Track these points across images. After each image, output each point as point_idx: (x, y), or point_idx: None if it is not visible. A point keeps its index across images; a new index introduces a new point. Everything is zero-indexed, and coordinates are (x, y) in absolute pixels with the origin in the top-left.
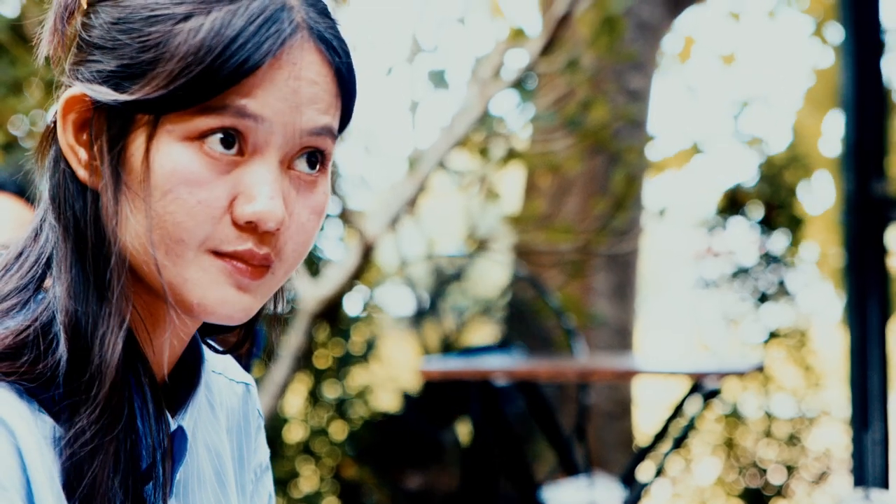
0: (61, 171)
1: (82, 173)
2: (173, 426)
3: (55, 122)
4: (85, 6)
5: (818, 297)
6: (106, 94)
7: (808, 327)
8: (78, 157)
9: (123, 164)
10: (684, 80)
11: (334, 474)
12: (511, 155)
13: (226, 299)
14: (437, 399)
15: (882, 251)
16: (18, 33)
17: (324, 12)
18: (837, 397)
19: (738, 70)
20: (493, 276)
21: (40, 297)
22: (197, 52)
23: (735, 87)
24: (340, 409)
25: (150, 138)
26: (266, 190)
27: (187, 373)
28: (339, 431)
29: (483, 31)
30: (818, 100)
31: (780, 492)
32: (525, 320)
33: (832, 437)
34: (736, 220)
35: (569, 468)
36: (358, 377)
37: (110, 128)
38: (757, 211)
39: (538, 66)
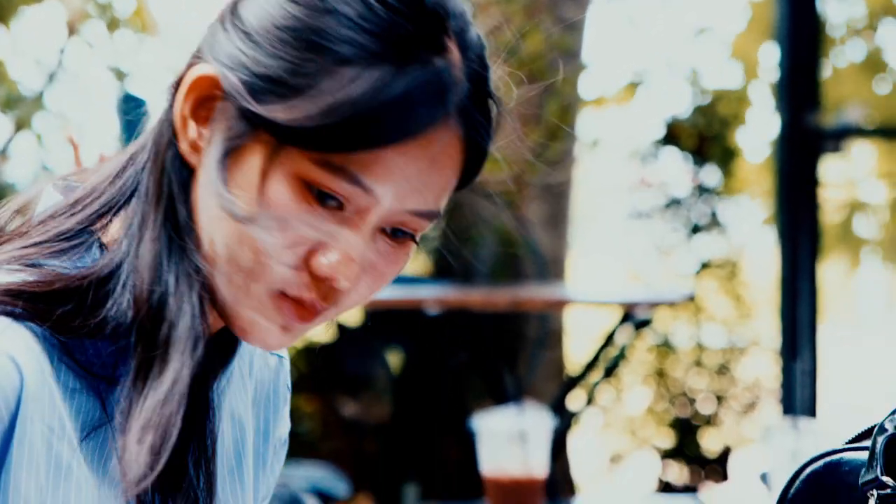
0: (168, 137)
1: (184, 147)
2: None
3: (178, 84)
4: None
5: (750, 229)
6: (242, 94)
7: (740, 259)
8: (186, 131)
9: (231, 169)
10: (621, 11)
11: None
12: None
13: (268, 334)
14: (369, 328)
15: (814, 183)
16: None
17: (485, 95)
18: (767, 328)
19: (676, 2)
20: None
21: (94, 246)
22: (344, 103)
23: (672, 19)
24: None
25: (268, 160)
26: (351, 252)
27: (225, 340)
28: None
29: None
30: (754, 32)
31: (709, 421)
32: (459, 249)
33: (762, 368)
34: (669, 152)
35: (499, 397)
36: None
37: (233, 126)
38: (690, 142)
39: None
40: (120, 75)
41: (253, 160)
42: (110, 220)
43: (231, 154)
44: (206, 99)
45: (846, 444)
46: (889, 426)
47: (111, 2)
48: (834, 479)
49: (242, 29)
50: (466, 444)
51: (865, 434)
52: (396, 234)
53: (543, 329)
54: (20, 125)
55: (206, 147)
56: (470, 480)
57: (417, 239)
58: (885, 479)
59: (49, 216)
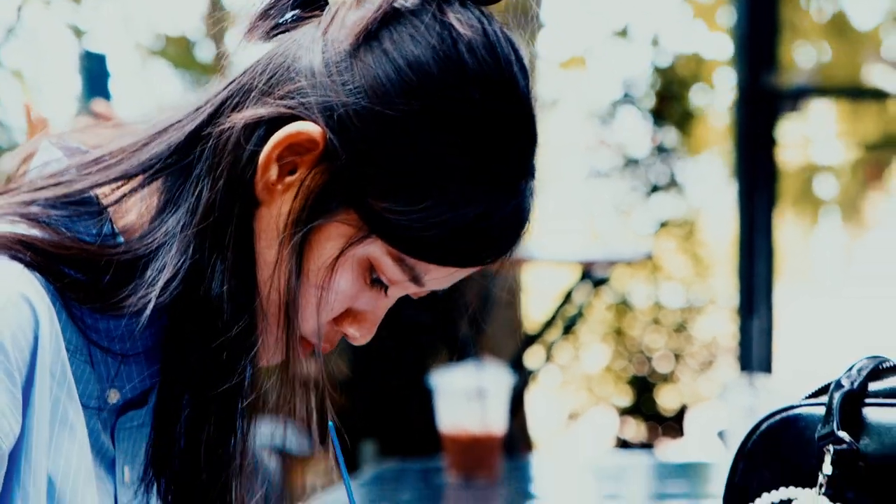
0: (248, 171)
1: (259, 186)
2: None
3: (269, 119)
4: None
5: (708, 189)
6: (346, 168)
7: (698, 218)
8: (267, 171)
9: (309, 235)
10: None
11: None
12: None
13: (272, 359)
14: None
15: (772, 143)
16: None
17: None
18: (725, 287)
19: None
20: None
21: (106, 220)
22: (448, 223)
23: None
24: None
25: (352, 240)
26: (374, 326)
27: None
28: None
29: None
30: None
31: (666, 379)
32: None
33: (719, 326)
34: (627, 112)
35: (457, 354)
36: None
37: (324, 197)
38: (649, 102)
39: None
40: (78, 32)
41: (336, 235)
42: (126, 195)
43: (317, 225)
44: (299, 150)
45: (803, 399)
46: (846, 382)
47: None
48: (790, 434)
49: (356, 89)
50: (424, 401)
51: (822, 390)
52: None
53: (502, 287)
54: None
55: (282, 193)
56: (428, 437)
57: None
58: (841, 434)
59: (63, 170)
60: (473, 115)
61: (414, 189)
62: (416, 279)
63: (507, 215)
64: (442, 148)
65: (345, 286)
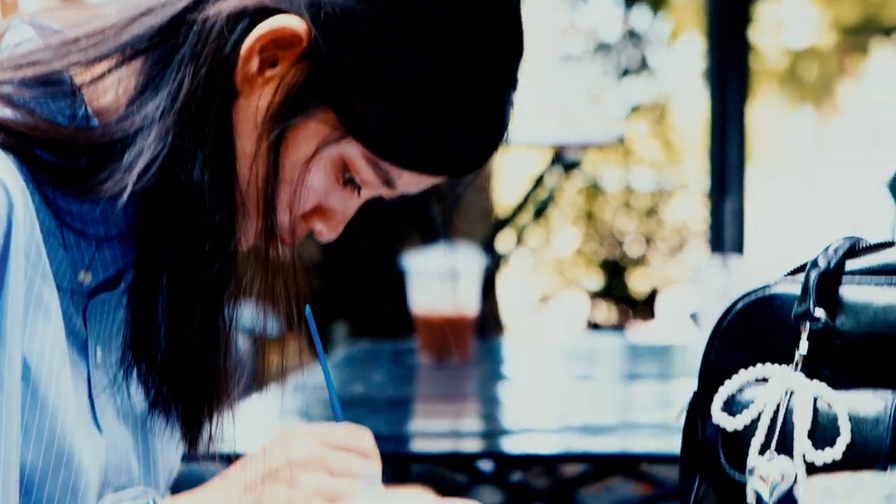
0: (231, 59)
1: (239, 77)
2: None
3: (254, 9)
4: None
5: (680, 72)
6: (328, 67)
7: (669, 102)
8: (248, 62)
9: (286, 131)
10: None
11: None
12: None
13: (245, 246)
14: None
15: (745, 25)
16: None
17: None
18: (696, 171)
19: None
20: None
21: (82, 102)
22: (430, 135)
23: None
24: None
25: (328, 141)
26: (343, 225)
27: None
28: None
29: None
30: None
31: (637, 262)
32: None
33: (690, 210)
34: None
35: (429, 236)
36: None
37: (303, 95)
38: None
39: None
40: None
41: (312, 133)
42: (102, 74)
43: (296, 122)
44: (284, 44)
45: (780, 279)
46: (822, 262)
47: None
48: (767, 313)
49: (360, 19)
50: (397, 283)
51: (799, 270)
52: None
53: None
54: None
55: (262, 85)
56: (400, 318)
57: None
58: (818, 312)
59: (38, 49)
60: (462, 20)
61: (395, 94)
62: (388, 182)
63: (487, 124)
64: (428, 53)
65: (317, 184)
